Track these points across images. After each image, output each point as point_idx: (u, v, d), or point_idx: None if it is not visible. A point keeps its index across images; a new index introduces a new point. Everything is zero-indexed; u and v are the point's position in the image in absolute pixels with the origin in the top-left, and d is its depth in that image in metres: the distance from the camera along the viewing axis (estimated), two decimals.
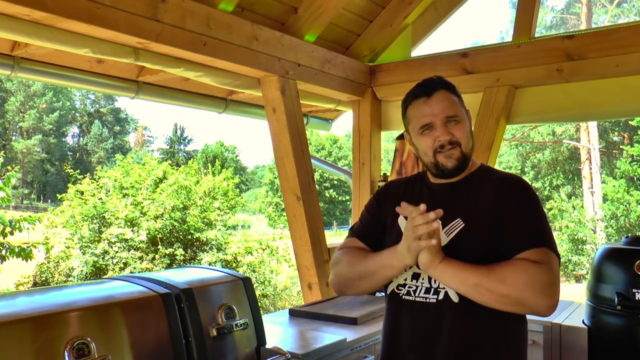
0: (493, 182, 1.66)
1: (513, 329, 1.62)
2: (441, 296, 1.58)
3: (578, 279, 16.33)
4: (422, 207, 1.46)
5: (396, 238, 1.64)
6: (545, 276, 1.47)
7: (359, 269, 1.68)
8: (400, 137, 4.10)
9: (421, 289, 1.62)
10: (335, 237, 25.88)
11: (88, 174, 11.28)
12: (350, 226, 1.94)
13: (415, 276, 1.64)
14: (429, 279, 1.61)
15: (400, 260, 1.56)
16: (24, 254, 7.06)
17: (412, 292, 1.63)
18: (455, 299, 1.56)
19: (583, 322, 2.76)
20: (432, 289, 1.60)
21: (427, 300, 1.60)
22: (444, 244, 1.57)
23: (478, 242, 1.56)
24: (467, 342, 1.56)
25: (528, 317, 1.66)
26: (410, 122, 1.71)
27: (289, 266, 11.13)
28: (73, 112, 51.83)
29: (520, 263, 1.48)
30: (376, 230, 1.77)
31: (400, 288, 1.67)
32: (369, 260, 1.67)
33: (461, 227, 1.59)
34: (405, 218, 1.55)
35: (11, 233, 7.02)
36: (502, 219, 1.57)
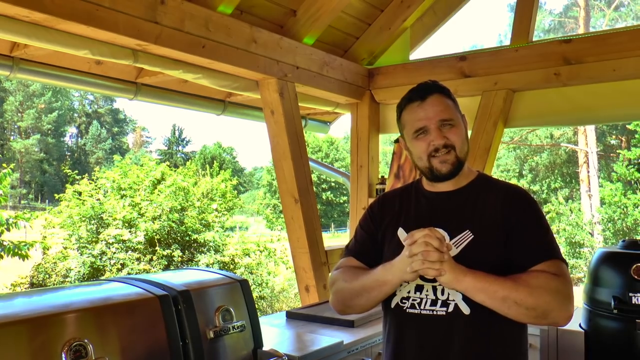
0: (496, 193, 1.64)
1: (519, 338, 1.61)
2: (451, 308, 1.53)
3: (575, 282, 16.33)
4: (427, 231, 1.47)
5: (396, 250, 1.61)
6: (565, 288, 1.48)
7: (354, 287, 1.64)
8: (398, 140, 4.10)
9: (426, 301, 1.57)
10: (333, 239, 25.83)
11: (86, 174, 11.28)
12: (348, 234, 1.93)
13: (419, 288, 1.59)
14: (434, 290, 1.57)
15: (395, 275, 1.53)
16: (20, 252, 7.04)
17: (416, 305, 1.58)
18: (466, 311, 1.52)
19: (580, 325, 2.76)
20: (439, 301, 1.55)
21: (435, 312, 1.55)
22: (453, 256, 1.52)
23: (489, 254, 1.53)
24: (479, 355, 1.53)
25: None
26: (405, 126, 1.68)
27: (287, 268, 11.14)
28: (71, 112, 51.77)
29: (542, 275, 1.48)
30: (372, 247, 1.73)
31: (404, 301, 1.61)
32: (363, 277, 1.63)
33: (470, 238, 1.56)
34: (406, 231, 1.54)
35: (7, 229, 7.00)
36: (512, 231, 1.55)
